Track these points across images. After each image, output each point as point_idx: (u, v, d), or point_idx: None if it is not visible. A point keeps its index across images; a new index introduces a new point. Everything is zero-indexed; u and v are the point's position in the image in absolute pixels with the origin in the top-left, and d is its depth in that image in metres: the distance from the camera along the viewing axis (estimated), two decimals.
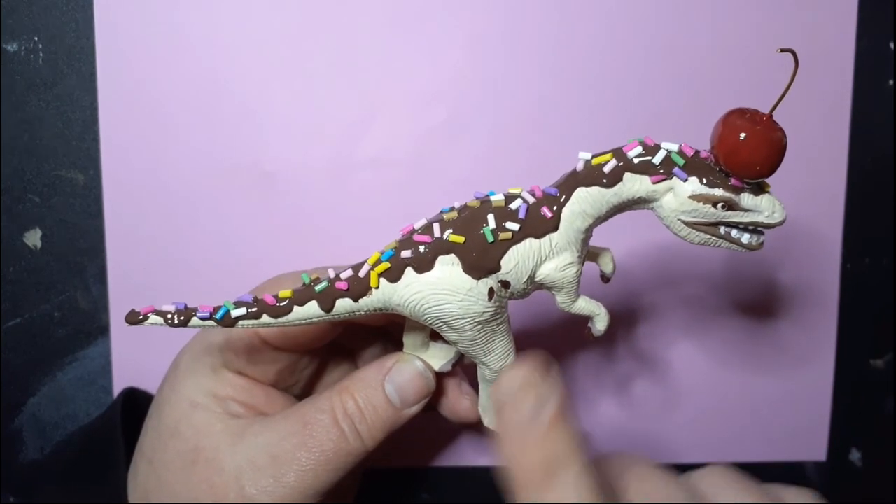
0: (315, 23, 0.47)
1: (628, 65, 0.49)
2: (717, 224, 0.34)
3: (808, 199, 0.51)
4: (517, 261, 0.34)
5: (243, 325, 0.34)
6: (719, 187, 0.33)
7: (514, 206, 0.34)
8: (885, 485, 0.54)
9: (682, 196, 0.33)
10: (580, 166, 0.34)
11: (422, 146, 0.49)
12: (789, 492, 0.38)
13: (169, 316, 0.34)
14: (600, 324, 0.36)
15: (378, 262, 0.34)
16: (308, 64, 0.48)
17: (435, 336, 0.40)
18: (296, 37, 0.47)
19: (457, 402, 0.42)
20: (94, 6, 0.46)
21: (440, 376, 0.40)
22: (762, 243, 0.35)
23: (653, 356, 0.52)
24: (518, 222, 0.33)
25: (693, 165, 0.33)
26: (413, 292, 0.34)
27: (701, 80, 0.49)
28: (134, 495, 0.39)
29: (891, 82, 0.51)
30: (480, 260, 0.33)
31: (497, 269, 0.34)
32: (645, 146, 0.33)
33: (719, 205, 0.33)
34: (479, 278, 0.33)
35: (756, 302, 0.52)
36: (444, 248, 0.33)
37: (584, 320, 0.37)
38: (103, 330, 0.49)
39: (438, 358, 0.39)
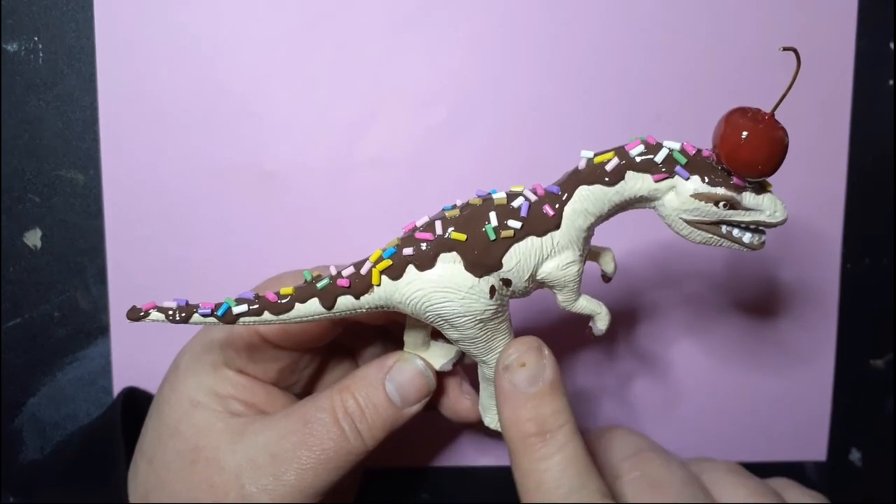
0: (315, 23, 0.47)
1: (629, 65, 0.49)
2: (718, 223, 0.34)
3: (808, 199, 0.51)
4: (519, 259, 0.34)
5: (244, 321, 0.34)
6: (721, 186, 0.33)
7: (516, 203, 0.34)
8: (885, 485, 0.54)
9: (684, 194, 0.33)
10: (582, 164, 0.34)
11: (422, 146, 0.49)
12: (792, 490, 0.38)
13: (170, 312, 0.33)
14: (601, 323, 0.36)
15: (380, 259, 0.34)
16: (308, 64, 0.48)
17: (436, 335, 0.40)
18: (296, 37, 0.47)
19: (457, 401, 0.42)
20: (94, 6, 0.46)
21: (441, 376, 0.40)
22: (763, 243, 0.35)
23: (653, 355, 0.52)
24: (520, 220, 0.33)
25: (695, 164, 0.33)
26: (414, 290, 0.34)
27: (701, 81, 0.49)
28: (134, 495, 0.39)
29: (891, 82, 0.51)
30: (482, 257, 0.33)
31: (499, 266, 0.34)
32: (647, 145, 0.33)
33: (721, 203, 0.33)
34: (480, 276, 0.33)
35: (756, 302, 0.52)
36: (446, 245, 0.33)
37: (584, 319, 0.37)
38: (103, 330, 0.49)
39: (439, 357, 0.39)
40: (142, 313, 0.33)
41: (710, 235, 0.34)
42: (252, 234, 0.48)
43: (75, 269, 0.48)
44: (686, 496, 0.38)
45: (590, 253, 0.38)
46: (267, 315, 0.34)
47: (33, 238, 0.48)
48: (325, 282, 0.34)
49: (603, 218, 0.35)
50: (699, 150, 0.34)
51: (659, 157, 0.33)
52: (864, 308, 0.53)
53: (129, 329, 0.48)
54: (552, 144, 0.49)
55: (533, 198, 0.34)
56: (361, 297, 0.34)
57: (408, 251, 0.34)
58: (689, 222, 0.34)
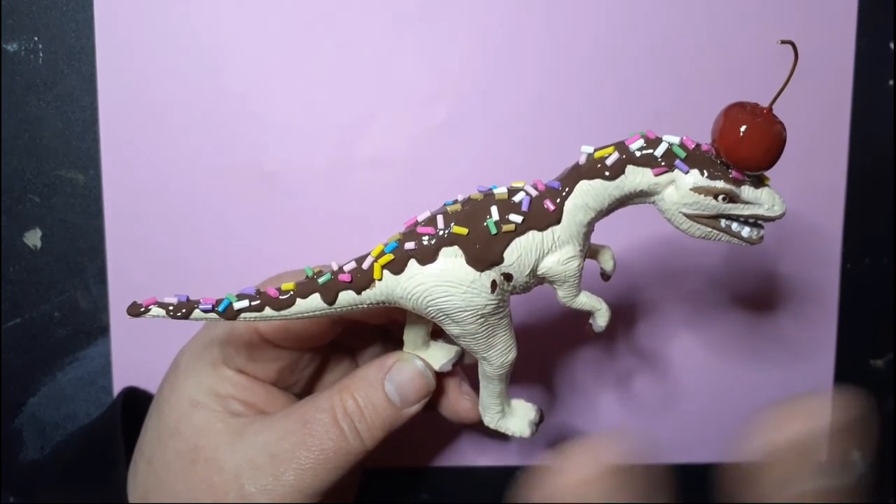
0: (315, 23, 0.47)
1: (628, 63, 0.49)
2: (717, 217, 0.34)
3: (808, 199, 0.51)
4: (520, 253, 0.34)
5: (246, 317, 0.34)
6: (720, 179, 0.33)
7: (517, 198, 0.34)
8: (885, 485, 0.54)
9: (683, 188, 0.33)
10: (583, 160, 0.34)
11: (421, 146, 0.49)
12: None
13: (171, 308, 0.33)
14: (601, 319, 0.36)
15: (381, 253, 0.34)
16: (308, 64, 0.48)
17: (436, 335, 0.40)
18: (296, 37, 0.47)
19: (457, 401, 0.41)
20: (94, 6, 0.46)
21: (440, 376, 0.40)
22: (762, 237, 0.35)
23: (653, 352, 0.52)
24: (521, 215, 0.34)
25: (694, 158, 0.33)
26: (416, 284, 0.34)
27: (701, 80, 0.49)
28: (134, 495, 0.38)
29: (891, 82, 0.51)
30: (483, 252, 0.33)
31: (500, 261, 0.34)
32: (647, 139, 0.34)
33: (720, 197, 0.33)
34: (481, 270, 0.34)
35: (756, 302, 0.52)
36: (448, 239, 0.34)
37: (584, 316, 0.37)
38: (103, 330, 0.49)
39: (439, 357, 0.39)
40: (142, 309, 0.33)
41: (710, 229, 0.34)
42: (252, 233, 0.48)
43: (75, 269, 0.48)
44: None
45: (589, 251, 0.38)
46: (268, 311, 0.34)
47: (33, 238, 0.48)
48: (326, 277, 0.34)
49: (603, 213, 0.35)
50: (698, 145, 0.34)
51: (658, 152, 0.33)
52: (864, 308, 0.53)
53: (129, 329, 0.48)
54: (552, 144, 0.49)
55: (534, 193, 0.34)
56: (363, 292, 0.34)
57: (409, 245, 0.34)
58: (688, 216, 0.34)
